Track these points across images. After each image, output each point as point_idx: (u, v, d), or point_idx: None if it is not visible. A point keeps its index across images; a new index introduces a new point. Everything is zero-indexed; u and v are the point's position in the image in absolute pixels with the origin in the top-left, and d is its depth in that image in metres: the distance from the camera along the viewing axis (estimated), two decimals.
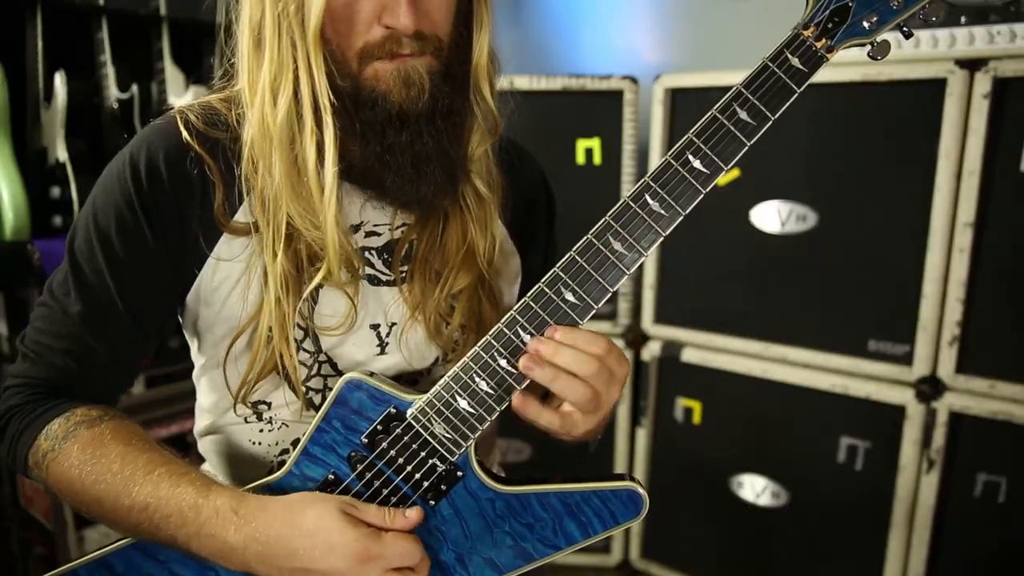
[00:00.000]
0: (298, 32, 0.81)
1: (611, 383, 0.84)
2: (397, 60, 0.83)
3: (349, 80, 0.84)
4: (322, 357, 0.94)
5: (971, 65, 1.65)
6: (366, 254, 0.95)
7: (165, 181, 0.88)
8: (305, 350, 0.94)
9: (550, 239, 1.14)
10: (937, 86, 1.69)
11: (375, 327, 0.96)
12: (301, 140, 0.84)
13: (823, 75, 1.77)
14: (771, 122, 0.77)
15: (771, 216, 1.97)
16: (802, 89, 0.77)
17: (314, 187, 0.85)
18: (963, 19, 1.67)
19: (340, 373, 0.96)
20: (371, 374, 0.88)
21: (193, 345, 1.02)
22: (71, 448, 0.85)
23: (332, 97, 0.83)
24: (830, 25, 0.77)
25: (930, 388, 1.78)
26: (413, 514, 0.85)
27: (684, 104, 2.08)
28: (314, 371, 0.95)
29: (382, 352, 0.97)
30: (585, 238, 0.81)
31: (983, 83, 1.63)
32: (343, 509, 0.81)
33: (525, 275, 1.09)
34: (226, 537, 0.80)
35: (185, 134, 0.88)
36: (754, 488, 2.10)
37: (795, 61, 0.77)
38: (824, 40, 0.77)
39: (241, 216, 0.91)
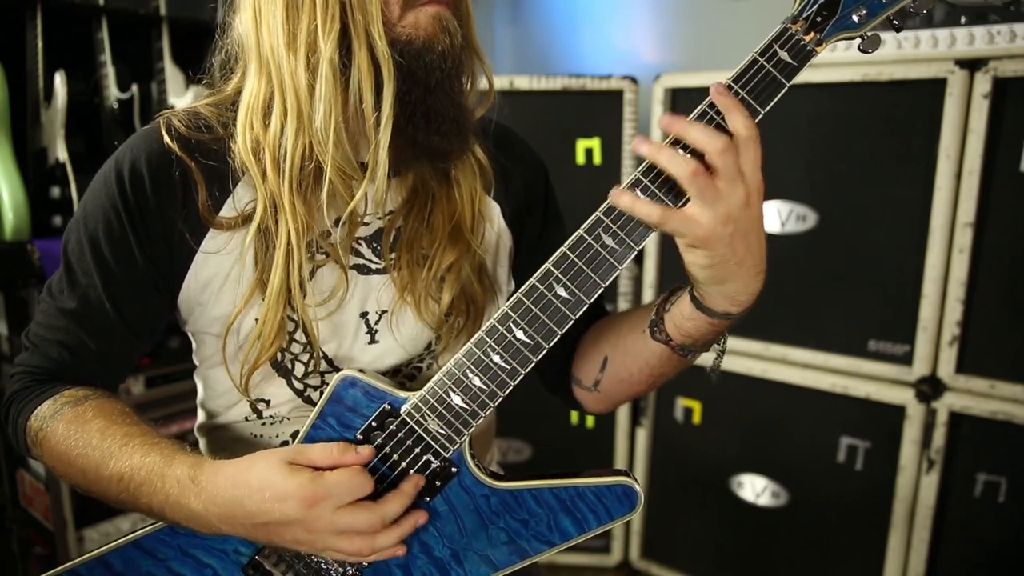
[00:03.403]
0: None
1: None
2: (438, 6, 0.86)
3: (389, 31, 0.85)
4: (316, 352, 0.95)
5: (971, 65, 1.65)
6: (355, 243, 0.96)
7: (147, 186, 0.90)
8: (297, 342, 0.94)
9: (547, 220, 1.12)
10: (937, 86, 1.69)
11: (363, 315, 0.97)
12: (358, 77, 0.85)
13: (823, 75, 1.82)
14: (761, 116, 0.77)
15: (771, 216, 1.96)
16: (791, 83, 0.77)
17: (369, 117, 0.86)
18: (963, 19, 1.67)
19: (334, 366, 0.97)
20: (360, 370, 0.88)
21: (194, 347, 1.04)
22: (57, 426, 0.89)
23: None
24: (819, 19, 0.76)
25: (930, 388, 1.77)
26: (364, 449, 0.85)
27: (684, 104, 2.08)
28: (311, 367, 0.96)
29: (372, 340, 0.98)
30: (576, 234, 0.81)
31: (983, 83, 1.63)
32: (287, 459, 0.82)
33: (523, 258, 1.08)
34: (189, 504, 0.82)
35: (166, 139, 0.90)
36: (754, 488, 2.10)
37: (784, 55, 0.77)
38: (813, 34, 0.77)
39: (227, 211, 0.92)
